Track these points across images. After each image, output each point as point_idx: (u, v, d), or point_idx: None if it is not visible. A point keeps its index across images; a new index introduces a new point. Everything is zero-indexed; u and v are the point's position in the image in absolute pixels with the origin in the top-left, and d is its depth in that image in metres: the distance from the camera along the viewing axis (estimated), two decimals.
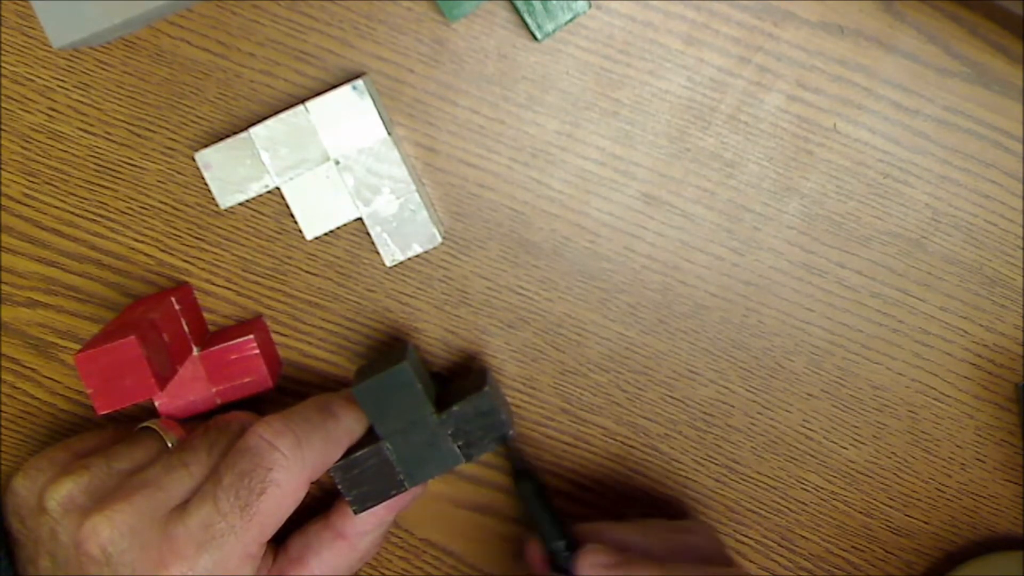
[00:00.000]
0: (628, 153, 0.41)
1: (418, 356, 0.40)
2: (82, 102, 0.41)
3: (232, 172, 0.39)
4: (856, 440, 0.43)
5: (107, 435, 0.40)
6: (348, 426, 0.38)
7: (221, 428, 0.38)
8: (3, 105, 0.41)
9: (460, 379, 0.41)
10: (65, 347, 0.43)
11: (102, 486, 0.36)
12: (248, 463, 0.35)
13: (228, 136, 0.41)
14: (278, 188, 0.39)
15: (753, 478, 0.44)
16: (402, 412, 0.37)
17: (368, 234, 0.41)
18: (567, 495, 0.44)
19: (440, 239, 0.40)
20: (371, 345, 0.43)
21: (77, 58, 0.40)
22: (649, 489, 0.44)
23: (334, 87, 0.39)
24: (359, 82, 0.38)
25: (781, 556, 0.45)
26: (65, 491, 0.36)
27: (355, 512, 0.38)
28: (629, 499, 0.44)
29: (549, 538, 0.39)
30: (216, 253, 0.42)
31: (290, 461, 0.35)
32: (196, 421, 0.41)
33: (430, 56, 0.40)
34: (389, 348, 0.42)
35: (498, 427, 0.37)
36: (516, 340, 0.43)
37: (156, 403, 0.41)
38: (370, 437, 0.38)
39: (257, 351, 0.40)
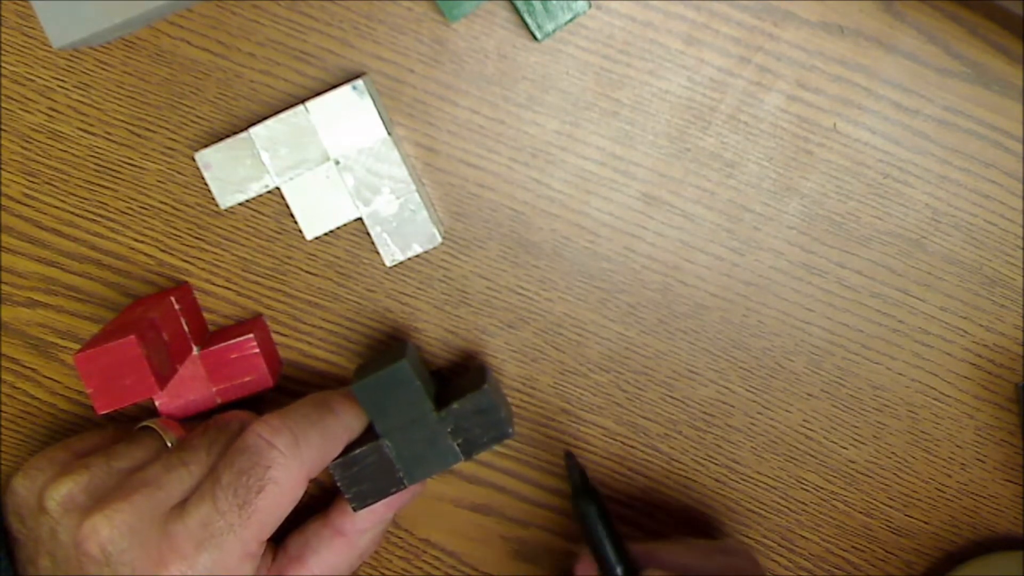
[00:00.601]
0: (628, 153, 0.41)
1: (418, 354, 0.40)
2: (82, 102, 0.41)
3: (232, 172, 0.39)
4: (856, 440, 0.43)
5: (107, 435, 0.40)
6: (347, 423, 0.38)
7: (220, 427, 0.38)
8: (3, 105, 0.41)
9: (460, 377, 0.41)
10: (65, 347, 0.43)
11: (102, 485, 0.36)
12: (246, 461, 0.35)
13: (228, 136, 0.41)
14: (278, 188, 0.39)
15: (753, 478, 0.44)
16: (401, 409, 0.37)
17: (368, 234, 0.41)
18: (567, 495, 0.44)
19: (440, 239, 0.40)
20: (371, 345, 0.43)
21: (77, 58, 0.40)
22: (650, 489, 0.44)
23: (334, 87, 0.39)
24: (359, 82, 0.38)
25: (781, 556, 0.45)
26: (65, 491, 0.36)
27: (354, 509, 0.38)
28: (629, 499, 0.44)
29: (610, 563, 0.37)
30: (216, 253, 0.42)
31: (288, 459, 0.35)
32: (196, 420, 0.41)
33: (430, 56, 0.40)
34: (389, 348, 0.42)
35: (498, 425, 0.37)
36: (516, 340, 0.43)
37: (156, 402, 0.41)
38: (369, 434, 0.38)
39: (257, 350, 0.40)
